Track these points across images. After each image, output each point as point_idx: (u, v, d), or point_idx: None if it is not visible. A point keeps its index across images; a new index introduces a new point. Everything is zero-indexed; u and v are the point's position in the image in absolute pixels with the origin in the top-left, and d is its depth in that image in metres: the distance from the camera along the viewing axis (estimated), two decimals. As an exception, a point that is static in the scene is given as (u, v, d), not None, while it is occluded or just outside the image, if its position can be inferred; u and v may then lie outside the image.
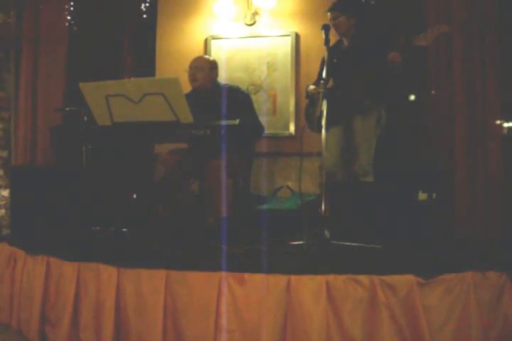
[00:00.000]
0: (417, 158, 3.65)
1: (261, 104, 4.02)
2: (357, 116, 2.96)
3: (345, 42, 3.05)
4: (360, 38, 3.01)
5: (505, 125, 3.76)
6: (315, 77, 3.19)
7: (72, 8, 4.53)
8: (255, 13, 4.13)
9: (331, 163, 2.78)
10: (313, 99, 3.05)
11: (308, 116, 3.13)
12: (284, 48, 4.08)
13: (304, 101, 3.32)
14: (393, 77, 2.88)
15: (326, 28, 2.78)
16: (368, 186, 3.00)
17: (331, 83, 3.05)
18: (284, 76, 3.99)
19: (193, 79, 3.22)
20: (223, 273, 2.14)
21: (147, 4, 4.78)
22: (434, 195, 3.32)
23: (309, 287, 2.05)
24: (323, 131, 2.61)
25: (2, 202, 4.24)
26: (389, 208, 3.30)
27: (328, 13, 3.00)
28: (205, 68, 3.22)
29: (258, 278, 2.11)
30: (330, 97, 2.64)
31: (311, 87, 3.09)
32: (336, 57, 2.95)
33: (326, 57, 2.68)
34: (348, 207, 3.02)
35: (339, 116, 2.69)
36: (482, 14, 3.43)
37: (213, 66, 3.28)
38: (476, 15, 3.44)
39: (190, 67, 3.24)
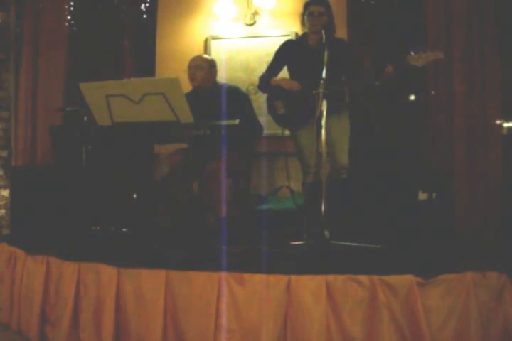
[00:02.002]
0: (417, 158, 3.66)
1: (261, 104, 4.01)
2: (332, 115, 2.88)
3: (314, 39, 2.95)
4: (331, 39, 2.92)
5: (505, 125, 3.76)
6: (290, 72, 3.13)
7: (72, 8, 4.53)
8: (255, 13, 4.13)
9: (316, 162, 2.76)
10: (279, 93, 2.97)
11: (272, 110, 3.04)
12: (284, 48, 4.07)
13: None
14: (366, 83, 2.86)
15: (326, 28, 2.77)
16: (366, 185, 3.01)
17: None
18: (284, 76, 3.98)
19: (192, 78, 3.22)
20: (223, 273, 2.14)
21: (147, 4, 4.78)
22: (434, 195, 3.32)
23: (309, 287, 2.06)
24: (323, 131, 2.61)
25: (2, 202, 4.24)
26: (389, 208, 3.31)
27: (312, 7, 2.88)
28: (204, 67, 3.23)
29: (258, 278, 2.11)
30: (306, 96, 2.61)
31: (283, 78, 3.00)
32: (303, 55, 2.92)
33: (326, 57, 2.66)
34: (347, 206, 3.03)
35: (312, 115, 2.66)
36: (482, 14, 3.43)
37: (212, 65, 3.29)
38: (476, 14, 3.44)
39: (189, 67, 3.25)
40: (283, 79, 3.02)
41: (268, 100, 3.08)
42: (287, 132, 3.97)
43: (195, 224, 3.16)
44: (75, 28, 4.56)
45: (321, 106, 2.61)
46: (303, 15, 2.95)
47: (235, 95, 3.21)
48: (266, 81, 3.08)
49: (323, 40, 2.74)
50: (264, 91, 3.15)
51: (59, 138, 3.78)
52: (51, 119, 4.19)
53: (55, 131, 3.86)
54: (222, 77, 3.43)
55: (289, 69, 3.10)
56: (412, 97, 4.14)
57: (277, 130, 4.06)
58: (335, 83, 2.75)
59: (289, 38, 4.04)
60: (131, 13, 4.81)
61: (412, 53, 2.63)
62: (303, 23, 2.98)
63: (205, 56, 3.48)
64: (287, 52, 3.09)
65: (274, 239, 2.82)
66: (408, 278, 2.06)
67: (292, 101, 2.92)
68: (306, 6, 2.94)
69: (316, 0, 2.91)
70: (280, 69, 3.14)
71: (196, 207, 3.28)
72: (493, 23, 3.42)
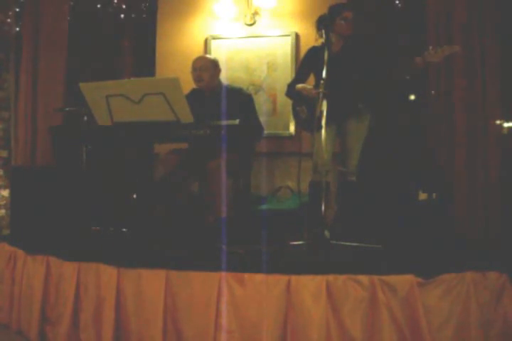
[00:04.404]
0: (417, 157, 3.66)
1: (261, 104, 4.02)
2: (351, 118, 2.98)
3: (338, 44, 2.99)
4: (359, 40, 2.98)
5: (505, 125, 3.76)
6: (316, 78, 3.16)
7: (72, 8, 4.53)
8: (255, 13, 4.13)
9: (323, 163, 2.79)
10: (301, 98, 3.01)
11: (297, 115, 3.10)
12: (284, 48, 4.07)
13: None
14: (391, 82, 2.88)
15: (326, 28, 2.78)
16: (367, 186, 3.02)
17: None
18: (284, 76, 3.98)
19: (199, 79, 3.22)
20: (223, 273, 2.14)
21: (147, 4, 4.78)
22: (434, 195, 3.32)
23: (309, 287, 2.06)
24: (323, 131, 2.61)
25: (2, 202, 4.24)
26: (389, 208, 3.31)
27: (346, 12, 2.90)
28: (209, 68, 3.23)
29: (258, 278, 2.11)
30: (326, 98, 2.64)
31: (304, 86, 3.01)
32: (327, 59, 2.94)
33: (325, 58, 2.67)
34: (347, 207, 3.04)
35: (333, 117, 2.69)
36: (482, 14, 3.43)
37: (216, 64, 3.30)
38: (476, 15, 3.44)
39: (195, 69, 3.24)
40: (303, 86, 3.03)
41: (293, 106, 3.14)
42: (291, 132, 4.00)
43: (195, 224, 3.16)
44: (75, 28, 4.55)
45: (321, 106, 2.62)
46: (331, 20, 2.91)
47: (238, 96, 3.21)
48: (292, 88, 3.12)
49: (324, 41, 2.75)
50: (290, 98, 3.20)
51: (59, 138, 3.77)
52: (51, 119, 4.19)
53: (55, 131, 3.85)
54: (223, 77, 3.43)
55: (315, 75, 3.10)
56: (412, 97, 4.14)
57: (277, 130, 4.09)
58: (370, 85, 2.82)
59: (289, 38, 4.06)
60: (131, 13, 4.81)
61: (430, 48, 2.63)
62: (330, 29, 2.91)
63: (208, 56, 3.48)
64: (312, 59, 3.08)
65: (274, 239, 2.82)
66: (408, 278, 2.06)
67: (312, 106, 2.93)
68: (338, 11, 2.93)
69: (350, 5, 2.96)
70: (307, 76, 3.16)
71: (196, 207, 3.28)
72: (494, 23, 3.42)
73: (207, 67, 3.22)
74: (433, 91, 3.65)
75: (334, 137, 3.03)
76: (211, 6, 4.16)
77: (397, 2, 4.17)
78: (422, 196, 3.34)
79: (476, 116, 3.42)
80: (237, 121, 2.65)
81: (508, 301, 2.14)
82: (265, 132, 3.44)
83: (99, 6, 4.74)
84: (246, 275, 2.13)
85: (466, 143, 3.42)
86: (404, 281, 2.06)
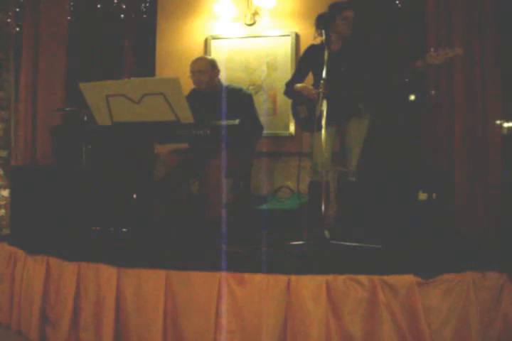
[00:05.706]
0: (417, 158, 3.66)
1: (261, 104, 4.02)
2: (351, 118, 2.98)
3: (337, 43, 2.99)
4: (358, 40, 2.99)
5: (505, 125, 3.76)
6: (315, 77, 3.16)
7: (72, 8, 4.53)
8: (255, 13, 4.13)
9: (323, 163, 2.79)
10: (301, 98, 3.01)
11: (296, 115, 3.11)
12: (284, 48, 4.08)
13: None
14: (391, 82, 2.88)
15: (326, 27, 2.78)
16: (367, 186, 3.02)
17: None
18: (284, 76, 3.97)
19: (198, 83, 3.23)
20: (223, 273, 2.14)
21: (147, 4, 4.78)
22: (434, 195, 3.32)
23: (309, 287, 2.06)
24: (323, 131, 2.61)
25: (2, 202, 4.23)
26: (389, 208, 3.31)
27: (347, 11, 2.89)
28: (207, 69, 3.22)
29: (258, 278, 2.11)
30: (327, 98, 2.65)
31: (304, 85, 3.01)
32: (326, 58, 2.94)
33: (326, 58, 2.67)
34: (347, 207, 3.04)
35: (333, 118, 2.70)
36: (482, 14, 3.43)
37: (214, 65, 3.29)
38: (475, 14, 3.43)
39: (193, 72, 3.23)
40: (303, 86, 3.03)
41: (292, 105, 3.15)
42: (291, 132, 4.00)
43: (195, 224, 3.16)
44: (74, 28, 4.55)
45: (321, 106, 2.62)
46: (331, 19, 2.90)
47: (238, 96, 3.21)
48: (290, 87, 3.12)
49: (324, 41, 2.76)
50: (289, 97, 3.20)
51: (59, 138, 3.78)
52: (51, 119, 4.19)
53: (55, 131, 3.86)
54: (223, 77, 3.43)
55: (313, 74, 3.10)
56: (412, 97, 4.14)
57: (277, 130, 4.09)
58: (361, 84, 2.82)
59: (289, 38, 4.06)
60: (131, 13, 4.81)
61: (432, 50, 2.63)
62: (331, 29, 2.90)
63: (205, 57, 3.47)
64: (311, 58, 3.08)
65: (274, 239, 2.82)
66: (408, 278, 2.06)
67: (312, 105, 2.93)
68: (338, 10, 2.91)
69: (350, 4, 2.93)
70: (305, 74, 3.17)
71: (196, 207, 3.28)
72: (494, 23, 3.42)
73: (205, 69, 3.21)
74: (433, 91, 3.64)
75: (334, 137, 3.03)
76: (211, 6, 4.16)
77: (397, 2, 4.17)
78: (422, 196, 3.34)
79: (476, 116, 3.41)
80: (237, 121, 2.66)
81: (508, 301, 2.14)
82: (265, 132, 3.44)
83: (99, 6, 4.74)
84: (246, 275, 2.13)
85: (466, 142, 3.42)
86: (404, 281, 2.06)
